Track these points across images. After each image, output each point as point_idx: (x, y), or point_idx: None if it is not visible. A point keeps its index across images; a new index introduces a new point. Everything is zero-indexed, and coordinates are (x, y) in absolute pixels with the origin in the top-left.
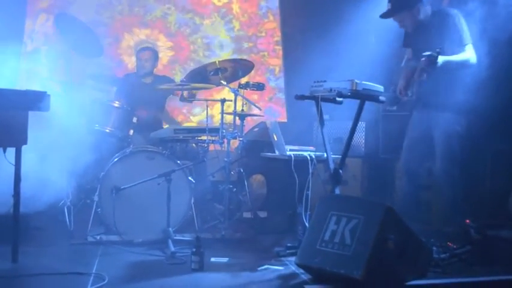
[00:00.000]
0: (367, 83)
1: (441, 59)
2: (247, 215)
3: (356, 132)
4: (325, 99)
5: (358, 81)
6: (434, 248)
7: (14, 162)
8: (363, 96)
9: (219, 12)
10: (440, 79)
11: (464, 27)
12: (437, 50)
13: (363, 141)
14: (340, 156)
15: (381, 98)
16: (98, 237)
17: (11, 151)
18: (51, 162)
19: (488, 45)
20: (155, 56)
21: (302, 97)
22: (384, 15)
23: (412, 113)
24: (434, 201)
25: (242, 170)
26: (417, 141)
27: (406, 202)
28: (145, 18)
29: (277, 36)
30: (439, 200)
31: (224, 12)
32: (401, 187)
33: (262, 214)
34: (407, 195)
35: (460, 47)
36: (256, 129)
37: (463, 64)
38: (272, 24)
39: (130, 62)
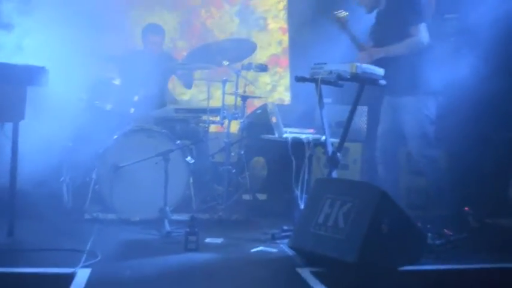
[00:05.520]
0: (368, 66)
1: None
2: (246, 197)
3: (358, 117)
4: (326, 82)
5: (357, 64)
6: (429, 234)
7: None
8: (362, 79)
9: None
10: (401, 64)
11: (419, 6)
12: None
13: (364, 125)
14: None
15: (381, 81)
16: (95, 215)
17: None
18: (50, 139)
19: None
20: (164, 36)
21: (302, 79)
22: None
23: (383, 98)
24: (427, 186)
25: (242, 152)
26: (390, 128)
27: (387, 189)
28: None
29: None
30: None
31: None
32: (380, 175)
33: (262, 196)
34: (387, 182)
35: (413, 25)
36: (258, 111)
37: (412, 48)
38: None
39: (134, 38)
